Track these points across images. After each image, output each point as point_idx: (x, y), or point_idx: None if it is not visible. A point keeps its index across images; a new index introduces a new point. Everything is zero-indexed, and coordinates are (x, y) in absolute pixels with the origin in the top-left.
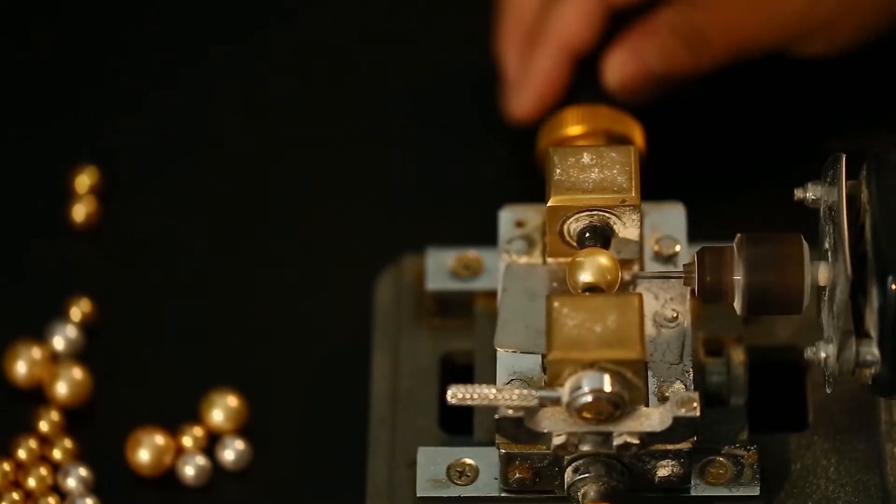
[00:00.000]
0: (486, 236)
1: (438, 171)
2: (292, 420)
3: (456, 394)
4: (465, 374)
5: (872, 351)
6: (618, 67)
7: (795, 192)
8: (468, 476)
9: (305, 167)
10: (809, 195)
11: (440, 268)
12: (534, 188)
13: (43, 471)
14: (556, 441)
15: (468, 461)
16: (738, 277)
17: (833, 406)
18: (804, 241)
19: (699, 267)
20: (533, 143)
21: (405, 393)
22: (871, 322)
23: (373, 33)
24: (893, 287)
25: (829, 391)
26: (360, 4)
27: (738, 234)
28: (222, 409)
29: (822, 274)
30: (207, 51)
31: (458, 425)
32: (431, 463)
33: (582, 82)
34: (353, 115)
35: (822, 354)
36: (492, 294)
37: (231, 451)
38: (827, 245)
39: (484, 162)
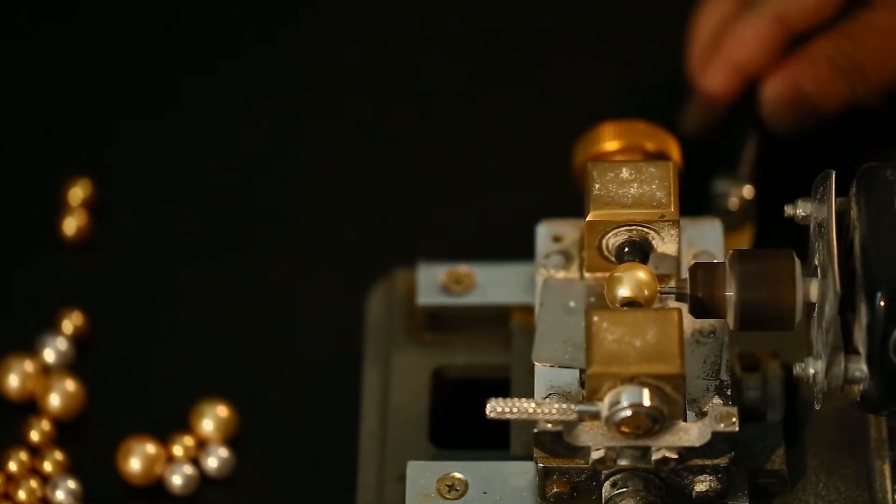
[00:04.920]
0: (479, 251)
1: (431, 186)
2: (283, 432)
3: (495, 407)
4: (457, 389)
5: (861, 367)
6: (774, 94)
7: (786, 208)
8: (457, 490)
9: (298, 180)
10: (799, 212)
11: (431, 282)
12: (529, 203)
13: (33, 483)
14: (595, 455)
15: (458, 475)
16: (731, 293)
17: (822, 422)
18: (796, 258)
19: (691, 282)
20: (528, 158)
21: (396, 407)
22: (860, 338)
23: (369, 45)
24: (882, 303)
25: (818, 407)
26: (351, 11)
27: (731, 250)
28: (212, 419)
29: (814, 290)
30: (201, 62)
31: (448, 440)
32: (421, 477)
33: (742, 102)
34: (345, 128)
35: (811, 371)
36: (519, 308)
37: (214, 459)
38: (817, 261)
39: (478, 176)
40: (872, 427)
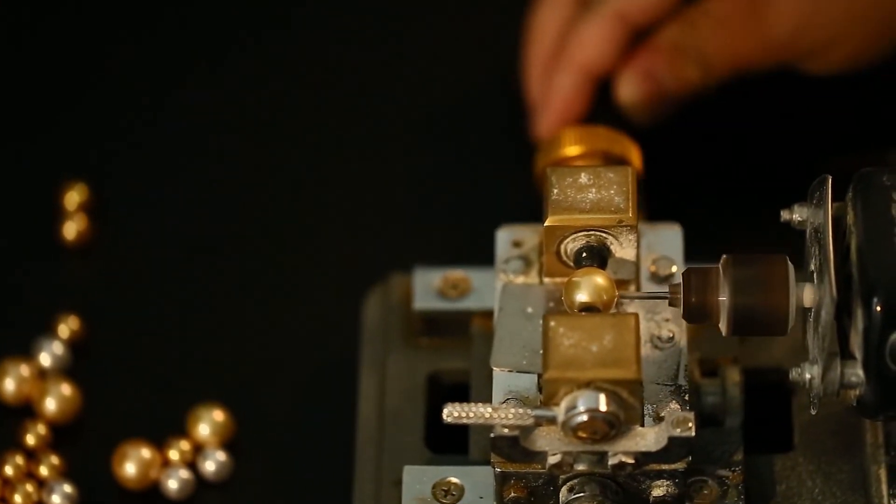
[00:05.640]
0: (474, 256)
1: (426, 191)
2: (279, 437)
3: (452, 412)
4: (453, 394)
5: (857, 372)
6: (631, 87)
7: (782, 213)
8: (454, 495)
9: (294, 185)
10: (796, 217)
11: (427, 287)
12: (524, 208)
13: (29, 487)
14: (552, 460)
15: (454, 480)
16: (724, 298)
17: (818, 427)
18: (789, 263)
19: (685, 288)
20: (523, 162)
21: (392, 411)
22: (856, 343)
23: (364, 51)
24: (878, 308)
25: (813, 412)
26: (353, 24)
27: (724, 256)
28: (209, 424)
29: (808, 295)
30: (197, 68)
31: (445, 444)
32: (417, 482)
33: (597, 103)
34: (342, 133)
35: (807, 376)
36: (480, 314)
37: (212, 463)
38: (813, 266)
39: (473, 181)
40: (868, 432)
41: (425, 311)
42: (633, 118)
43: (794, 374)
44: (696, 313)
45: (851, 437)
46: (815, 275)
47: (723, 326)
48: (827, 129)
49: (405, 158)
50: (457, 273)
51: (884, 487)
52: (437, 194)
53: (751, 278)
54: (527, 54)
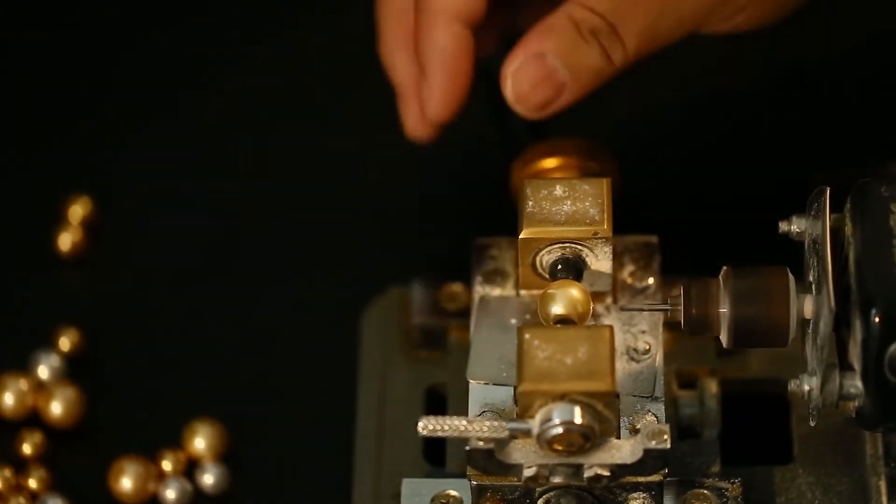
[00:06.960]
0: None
1: (425, 204)
2: (277, 451)
3: (427, 425)
4: None
5: (856, 384)
6: (515, 74)
7: (780, 225)
8: None
9: (292, 200)
10: (794, 228)
11: (426, 300)
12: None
13: (22, 500)
14: (527, 473)
15: (452, 493)
16: (724, 310)
17: (818, 439)
18: (790, 275)
19: (685, 299)
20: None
21: (390, 424)
22: (855, 355)
23: (365, 62)
24: (876, 320)
25: (812, 424)
26: (353, 34)
27: (724, 267)
28: (204, 438)
29: (808, 307)
30: (197, 83)
31: (444, 457)
32: (416, 495)
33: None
34: (341, 146)
35: (806, 387)
36: (457, 326)
37: (210, 476)
38: (811, 278)
39: (471, 194)
40: (868, 443)
41: (424, 325)
42: (519, 109)
43: (792, 385)
44: (697, 325)
45: (851, 448)
46: (813, 286)
47: (723, 338)
48: (826, 140)
49: (404, 170)
50: (455, 286)
51: (884, 499)
52: (436, 207)
53: (751, 290)
54: (384, 36)
